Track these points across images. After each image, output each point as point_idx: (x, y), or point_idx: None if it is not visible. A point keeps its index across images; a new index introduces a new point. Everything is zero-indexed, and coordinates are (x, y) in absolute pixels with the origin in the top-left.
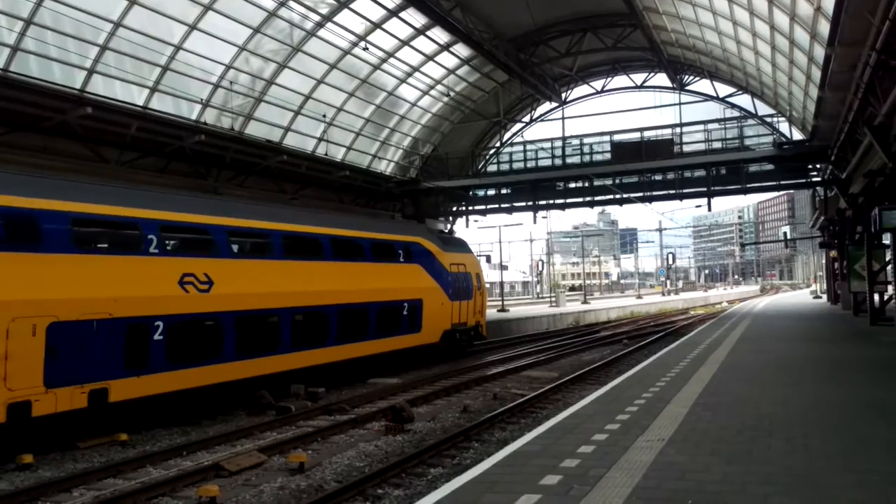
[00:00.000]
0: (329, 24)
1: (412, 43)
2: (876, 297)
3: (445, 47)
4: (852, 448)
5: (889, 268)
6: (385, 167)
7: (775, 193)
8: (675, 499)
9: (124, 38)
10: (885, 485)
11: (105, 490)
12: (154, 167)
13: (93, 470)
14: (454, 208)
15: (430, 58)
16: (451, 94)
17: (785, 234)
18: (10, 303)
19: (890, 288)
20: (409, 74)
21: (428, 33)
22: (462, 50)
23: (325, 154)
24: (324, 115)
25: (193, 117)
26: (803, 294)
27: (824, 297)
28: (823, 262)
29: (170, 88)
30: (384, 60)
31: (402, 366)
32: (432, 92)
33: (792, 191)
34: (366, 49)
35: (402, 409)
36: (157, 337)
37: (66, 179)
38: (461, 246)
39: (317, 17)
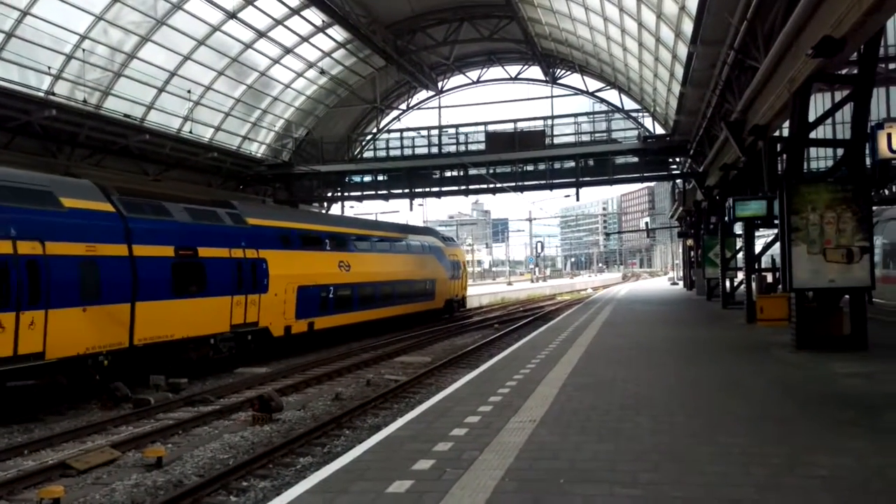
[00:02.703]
0: None
1: (286, 23)
2: (728, 282)
3: (321, 29)
4: (714, 424)
5: (740, 255)
6: (256, 149)
7: (638, 186)
8: (548, 478)
9: None
10: (745, 457)
11: None
12: None
13: None
14: (329, 194)
15: (304, 39)
16: (327, 76)
17: (646, 224)
18: (290, 276)
19: (740, 274)
20: (284, 54)
21: (303, 13)
22: (339, 33)
23: (191, 133)
24: (189, 92)
25: (43, 88)
26: (662, 281)
27: (681, 283)
28: (681, 250)
29: (15, 56)
30: (256, 39)
31: (422, 322)
32: (307, 74)
33: (653, 183)
34: (236, 20)
35: (271, 399)
36: (330, 296)
37: (288, 211)
38: (454, 242)
39: None
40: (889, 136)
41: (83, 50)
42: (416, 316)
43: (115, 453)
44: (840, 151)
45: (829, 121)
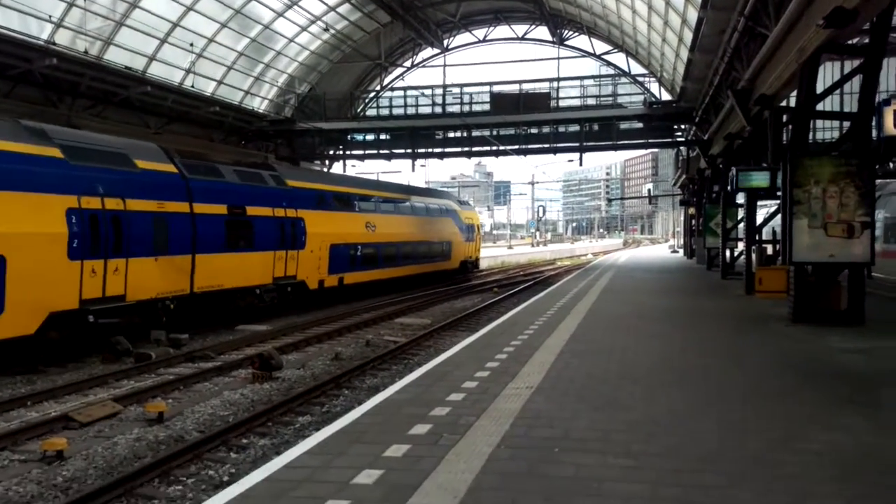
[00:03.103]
0: None
1: None
2: (728, 252)
3: None
4: (710, 396)
5: (741, 225)
6: (259, 104)
7: (641, 152)
8: (543, 446)
9: None
10: (740, 430)
11: None
12: None
13: None
14: (331, 151)
15: None
16: (332, 31)
17: (649, 190)
18: (323, 234)
19: (740, 244)
20: (288, 8)
21: None
22: None
23: (193, 86)
24: (191, 44)
25: (44, 37)
26: (662, 248)
27: (681, 251)
28: (682, 218)
29: (15, 2)
30: None
31: (439, 281)
32: (311, 28)
33: (657, 150)
34: None
35: (271, 357)
36: (358, 254)
37: (322, 174)
38: (469, 205)
39: None
40: None
41: (86, 0)
42: (433, 275)
43: (117, 407)
44: (846, 124)
45: (837, 91)
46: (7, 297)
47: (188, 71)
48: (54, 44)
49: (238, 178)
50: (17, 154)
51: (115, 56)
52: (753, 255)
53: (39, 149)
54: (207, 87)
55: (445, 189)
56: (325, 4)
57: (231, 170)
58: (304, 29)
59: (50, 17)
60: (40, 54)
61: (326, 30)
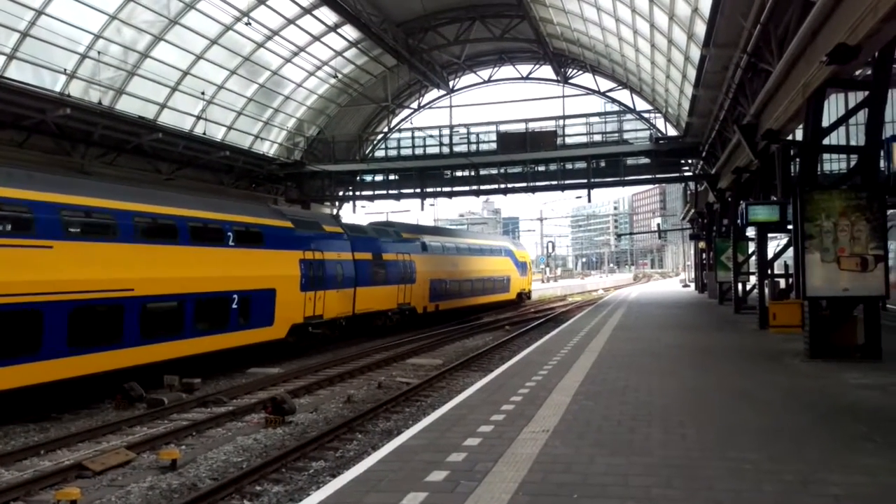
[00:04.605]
0: None
1: (298, 22)
2: (740, 286)
3: (333, 28)
4: (725, 437)
5: (752, 259)
6: (268, 148)
7: (649, 186)
8: (561, 493)
9: None
10: (757, 472)
11: None
12: (11, 141)
13: None
14: (340, 193)
15: (316, 38)
16: (339, 76)
17: (658, 225)
18: (426, 272)
19: (752, 278)
20: (295, 54)
21: (315, 13)
22: (350, 32)
23: (204, 133)
24: (203, 93)
25: (58, 89)
26: (673, 282)
27: (692, 285)
28: (692, 252)
29: (30, 56)
30: (268, 38)
31: (501, 308)
32: (319, 73)
33: (665, 184)
34: (248, 24)
35: (283, 401)
36: (448, 287)
37: (424, 227)
38: (522, 246)
39: None
40: None
41: (98, 52)
42: (497, 304)
43: (130, 454)
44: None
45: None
46: (276, 315)
47: (199, 117)
48: (69, 95)
49: (375, 234)
50: (276, 227)
51: (127, 105)
52: (766, 290)
53: (283, 223)
54: (218, 133)
55: (447, 227)
56: (332, 50)
57: (371, 228)
58: (311, 74)
59: (64, 70)
60: (54, 105)
61: (334, 75)
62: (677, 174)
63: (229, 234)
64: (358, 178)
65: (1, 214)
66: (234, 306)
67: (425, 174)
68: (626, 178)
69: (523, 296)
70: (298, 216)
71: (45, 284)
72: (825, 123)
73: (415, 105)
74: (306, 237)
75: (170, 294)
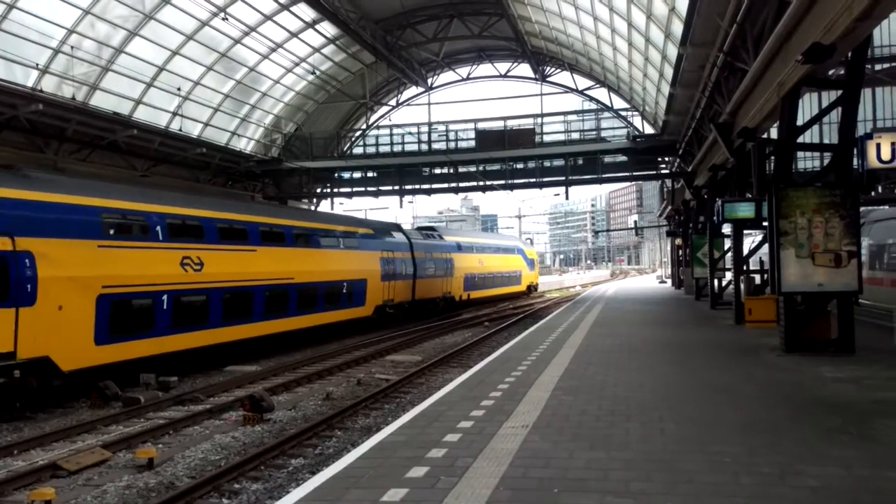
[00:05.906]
0: None
1: (275, 18)
2: (716, 282)
3: (311, 25)
4: (704, 431)
5: (728, 255)
6: (245, 145)
7: (626, 184)
8: (542, 487)
9: None
10: (735, 465)
11: None
12: None
13: None
14: (318, 190)
15: (294, 35)
16: (317, 73)
17: (635, 222)
18: (461, 267)
19: (728, 274)
20: (273, 50)
21: (292, 9)
22: (328, 29)
23: (180, 130)
24: (179, 89)
25: (30, 84)
26: (650, 279)
27: (669, 281)
28: (669, 249)
29: (1, 51)
30: (245, 34)
31: (513, 299)
32: (296, 70)
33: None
34: (225, 20)
35: (261, 399)
36: (476, 279)
37: (458, 230)
38: (531, 245)
39: None
40: (878, 146)
41: (71, 47)
42: (511, 294)
43: (105, 454)
44: (828, 154)
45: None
46: (367, 299)
47: (174, 114)
48: (41, 91)
49: (423, 238)
50: (365, 234)
51: (101, 101)
52: (742, 285)
53: (368, 230)
54: (194, 130)
55: (426, 223)
56: (310, 46)
57: (422, 234)
58: (289, 70)
59: (36, 65)
60: (26, 100)
61: (312, 72)
62: (654, 172)
63: (340, 240)
64: (336, 175)
65: (268, 232)
66: (344, 291)
67: (404, 171)
68: (604, 176)
69: (532, 288)
70: (375, 225)
71: (254, 275)
72: (800, 122)
73: (393, 102)
74: (382, 240)
75: (310, 282)
